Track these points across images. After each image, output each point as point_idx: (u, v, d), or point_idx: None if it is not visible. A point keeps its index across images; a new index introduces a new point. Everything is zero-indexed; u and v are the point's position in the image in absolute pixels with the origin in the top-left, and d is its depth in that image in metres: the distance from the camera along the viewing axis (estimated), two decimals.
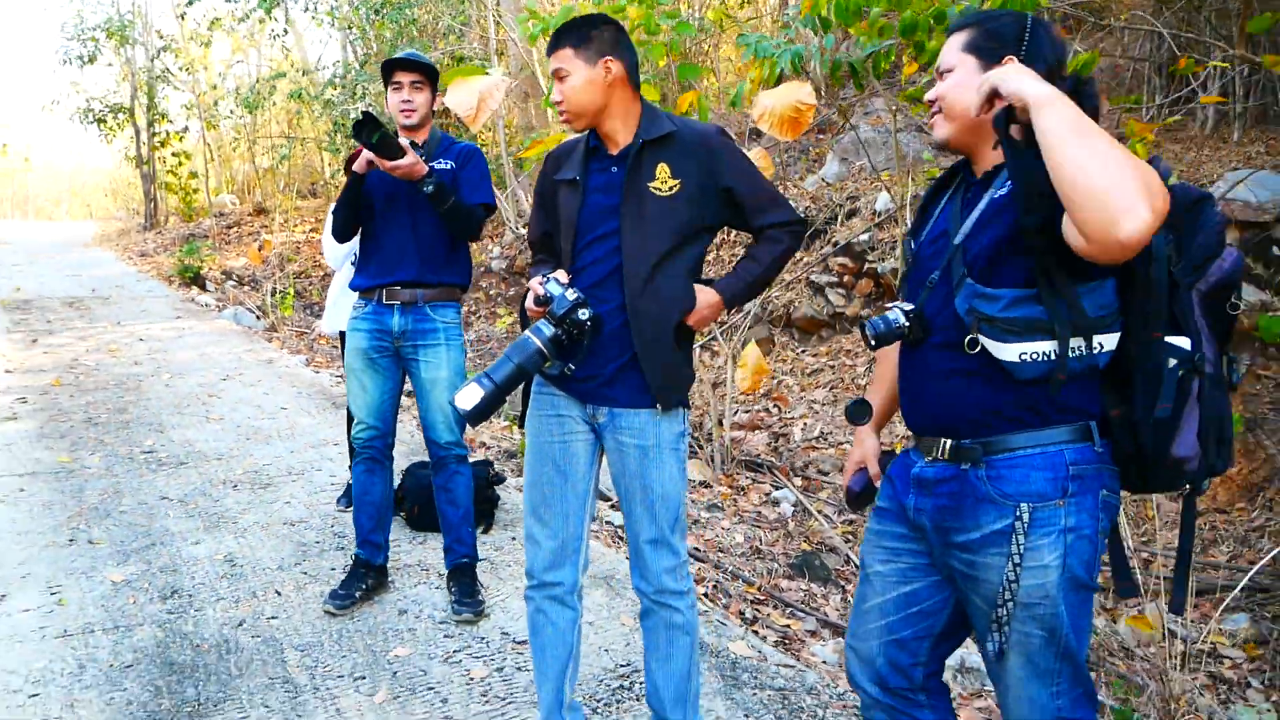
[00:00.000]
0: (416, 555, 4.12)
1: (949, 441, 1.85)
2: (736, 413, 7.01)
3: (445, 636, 3.39)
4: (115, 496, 4.81)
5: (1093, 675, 2.66)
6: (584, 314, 2.31)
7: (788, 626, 4.05)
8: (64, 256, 17.48)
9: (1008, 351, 1.72)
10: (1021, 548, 1.73)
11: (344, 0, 13.11)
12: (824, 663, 3.60)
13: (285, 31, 14.29)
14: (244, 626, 3.44)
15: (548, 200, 2.61)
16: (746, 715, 2.92)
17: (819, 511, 5.55)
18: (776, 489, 5.85)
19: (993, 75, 1.67)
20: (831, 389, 7.12)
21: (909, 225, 2.37)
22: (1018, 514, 1.73)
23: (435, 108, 3.59)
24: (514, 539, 4.34)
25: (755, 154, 4.40)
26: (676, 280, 2.40)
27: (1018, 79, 1.61)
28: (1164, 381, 1.70)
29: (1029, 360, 1.71)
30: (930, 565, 1.94)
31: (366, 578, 3.65)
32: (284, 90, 17.21)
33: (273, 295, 12.25)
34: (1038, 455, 1.75)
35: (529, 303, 2.40)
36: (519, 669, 3.15)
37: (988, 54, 1.81)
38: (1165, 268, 1.70)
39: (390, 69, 3.47)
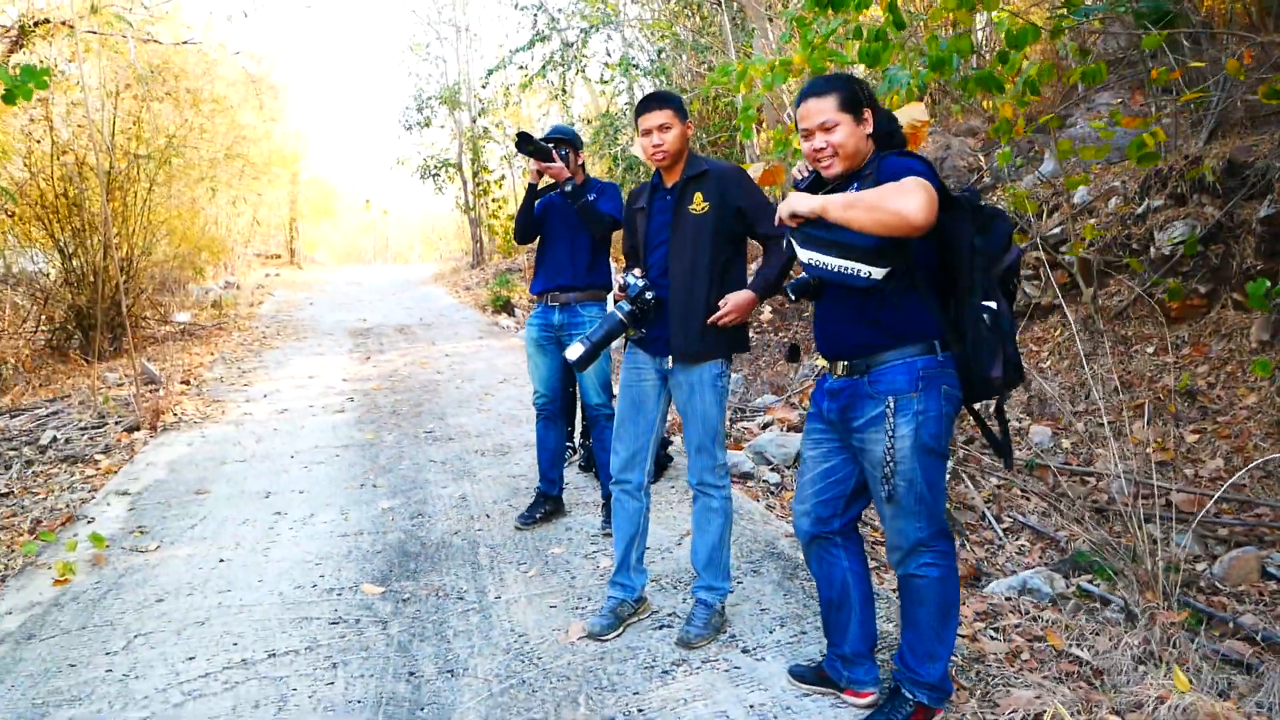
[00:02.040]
0: (590, 495, 5.41)
1: (844, 362, 2.88)
2: None
3: (591, 544, 4.65)
4: (397, 460, 6.49)
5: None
6: (650, 295, 3.54)
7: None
8: (404, 293, 20.58)
9: (803, 255, 2.75)
10: (892, 426, 2.74)
11: (623, 62, 14.84)
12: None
13: (564, 91, 16.16)
14: (457, 534, 4.89)
15: (629, 223, 3.84)
16: (785, 597, 3.95)
17: (969, 476, 6.29)
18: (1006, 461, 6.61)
19: (786, 205, 2.73)
20: None
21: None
22: (887, 404, 2.74)
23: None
24: (672, 488, 5.53)
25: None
26: (703, 275, 3.53)
27: (805, 203, 2.68)
28: (981, 327, 2.68)
29: (811, 263, 2.74)
30: (841, 448, 2.96)
31: (544, 504, 4.99)
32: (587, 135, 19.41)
33: None
34: (899, 364, 2.76)
35: (614, 291, 3.65)
36: None
37: (855, 110, 2.84)
38: (980, 261, 2.68)
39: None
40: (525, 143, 4.48)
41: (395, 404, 8.48)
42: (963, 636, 3.44)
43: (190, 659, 3.65)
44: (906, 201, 2.47)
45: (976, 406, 3.03)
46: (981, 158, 10.69)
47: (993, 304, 2.73)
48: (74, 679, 3.56)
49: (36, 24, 10.77)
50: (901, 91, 5.07)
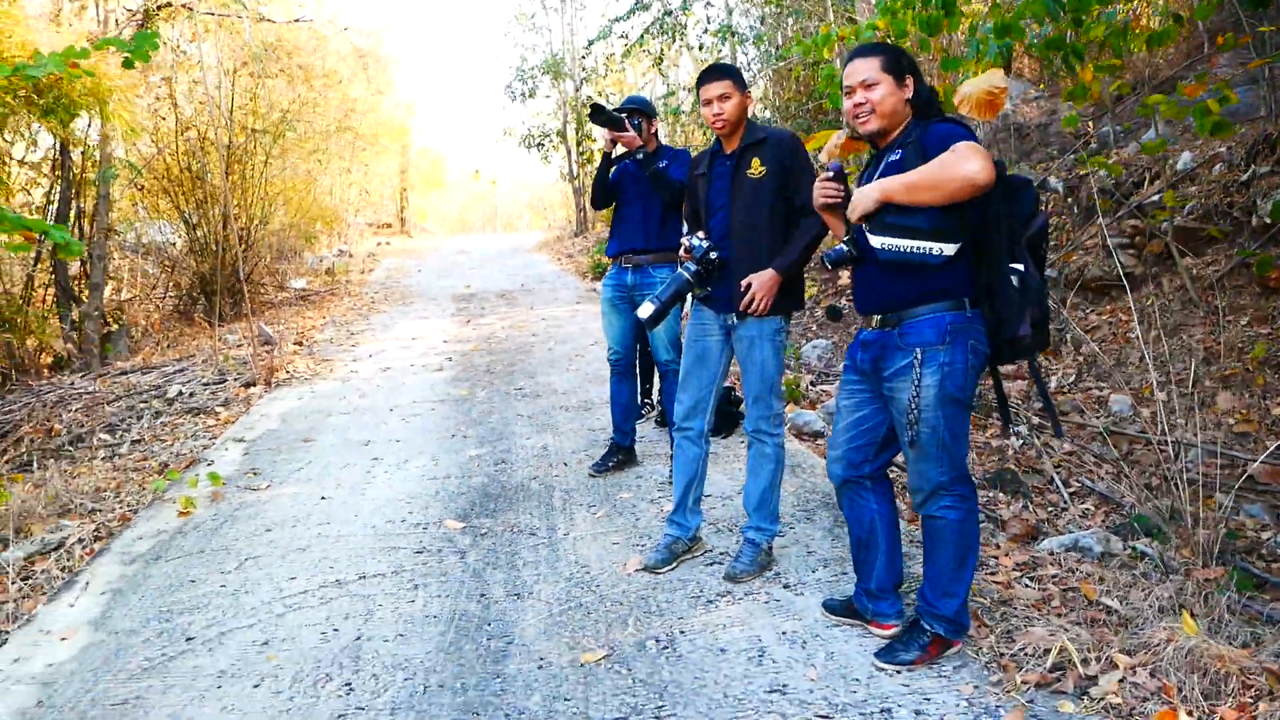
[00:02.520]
0: (662, 447, 5.73)
1: (878, 316, 3.13)
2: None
3: (657, 490, 4.98)
4: (488, 414, 6.92)
5: None
6: (714, 255, 3.82)
7: None
8: (509, 260, 21.15)
9: (876, 242, 2.98)
10: (918, 376, 2.98)
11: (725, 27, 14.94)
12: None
13: (661, 59, 16.34)
14: (535, 479, 5.27)
15: (691, 189, 4.11)
16: (833, 542, 4.21)
17: (1044, 444, 6.40)
18: (1015, 428, 6.74)
19: (854, 210, 2.95)
20: (1101, 343, 7.74)
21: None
22: (915, 355, 2.99)
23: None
24: (742, 443, 5.81)
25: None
26: (763, 235, 3.79)
27: (867, 198, 2.91)
28: (1010, 288, 2.91)
29: (884, 249, 2.96)
30: (873, 398, 3.22)
31: (617, 454, 5.33)
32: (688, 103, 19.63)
33: None
34: (929, 318, 3.00)
35: (680, 253, 3.93)
36: None
37: (897, 74, 3.07)
38: (1005, 225, 2.90)
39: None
40: (598, 113, 4.78)
41: (490, 363, 8.93)
42: (997, 583, 3.66)
43: (292, 579, 4.11)
44: (969, 166, 2.70)
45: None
46: (1090, 124, 10.54)
47: (1020, 266, 2.94)
48: (193, 592, 4.06)
49: (159, 7, 11.48)
50: (986, 59, 5.18)
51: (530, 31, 29.08)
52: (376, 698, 3.09)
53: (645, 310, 3.95)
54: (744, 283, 3.72)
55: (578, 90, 23.95)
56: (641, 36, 15.14)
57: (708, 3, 15.47)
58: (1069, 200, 8.88)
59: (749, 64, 15.73)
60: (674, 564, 4.00)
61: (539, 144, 24.65)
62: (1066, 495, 5.32)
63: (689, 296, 4.05)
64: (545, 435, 6.23)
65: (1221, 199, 7.31)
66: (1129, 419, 6.54)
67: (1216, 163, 7.82)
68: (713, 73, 3.88)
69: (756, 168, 3.81)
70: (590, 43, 16.46)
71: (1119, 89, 8.01)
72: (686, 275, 3.86)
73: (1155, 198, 8.38)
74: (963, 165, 2.71)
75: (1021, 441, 6.40)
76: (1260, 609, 3.51)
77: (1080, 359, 7.82)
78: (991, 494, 5.29)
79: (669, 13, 15.65)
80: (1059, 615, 3.34)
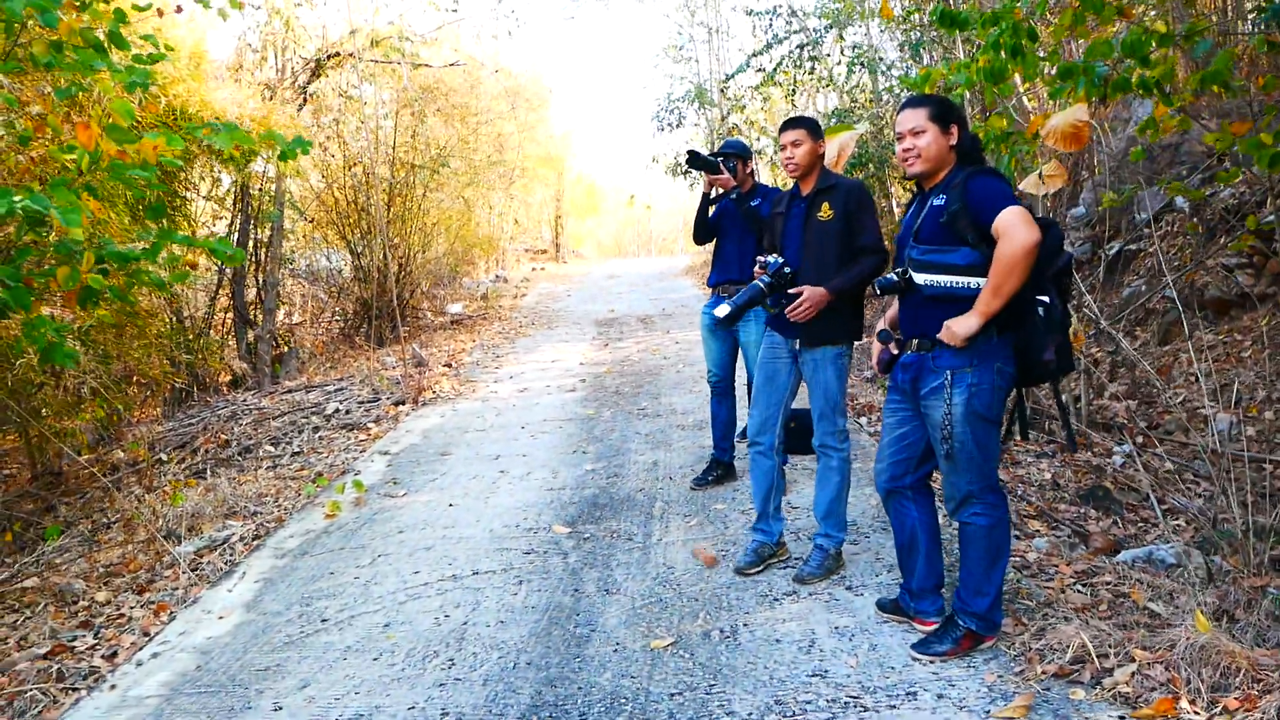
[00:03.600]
0: None
1: (916, 340, 3.45)
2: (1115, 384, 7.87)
3: (749, 502, 5.30)
4: (609, 432, 7.39)
5: None
6: (786, 270, 4.19)
7: (1038, 531, 5.30)
8: (654, 285, 21.75)
9: (920, 279, 3.31)
10: (949, 395, 3.29)
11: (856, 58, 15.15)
12: (1034, 552, 4.87)
13: (793, 91, 16.63)
14: (641, 491, 5.70)
15: (771, 224, 4.49)
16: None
17: (1145, 464, 6.43)
18: (1119, 446, 6.78)
19: (954, 337, 3.25)
20: (1215, 363, 7.65)
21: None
22: (945, 377, 3.30)
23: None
24: None
25: (1049, 166, 5.69)
26: (828, 272, 4.14)
27: (966, 326, 3.21)
28: (1036, 317, 3.21)
29: (928, 285, 3.29)
30: (913, 415, 3.52)
31: (717, 469, 5.71)
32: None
33: None
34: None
35: (755, 269, 4.31)
36: None
37: (943, 123, 3.40)
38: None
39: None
40: (695, 159, 5.22)
41: (620, 385, 9.43)
42: (1048, 587, 3.86)
43: (415, 573, 4.66)
44: (1020, 243, 3.05)
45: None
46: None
47: (1045, 298, 3.23)
48: (331, 583, 4.65)
49: (329, 57, 12.56)
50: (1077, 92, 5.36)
51: (678, 63, 29.72)
52: (473, 671, 3.57)
53: (722, 311, 4.34)
54: (798, 290, 4.06)
55: (724, 119, 24.43)
56: (774, 69, 15.47)
57: (839, 34, 15.61)
58: (1194, 220, 8.75)
59: (891, 92, 15.86)
60: (761, 566, 4.34)
61: (685, 172, 25.20)
62: (1160, 511, 5.39)
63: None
64: (659, 451, 6.65)
65: None
66: (1232, 437, 6.49)
67: None
68: (790, 123, 4.27)
69: (826, 211, 4.16)
70: (728, 76, 16.88)
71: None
72: (760, 285, 4.22)
73: (1271, 217, 8.23)
74: (1014, 245, 3.05)
75: (1123, 461, 6.45)
76: None
77: (1188, 379, 7.73)
78: (1082, 510, 5.40)
79: (802, 46, 15.90)
80: (1102, 618, 3.54)
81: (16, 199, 3.74)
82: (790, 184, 4.44)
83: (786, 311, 4.11)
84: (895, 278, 3.48)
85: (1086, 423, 7.16)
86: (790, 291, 4.10)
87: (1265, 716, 2.72)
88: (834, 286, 4.08)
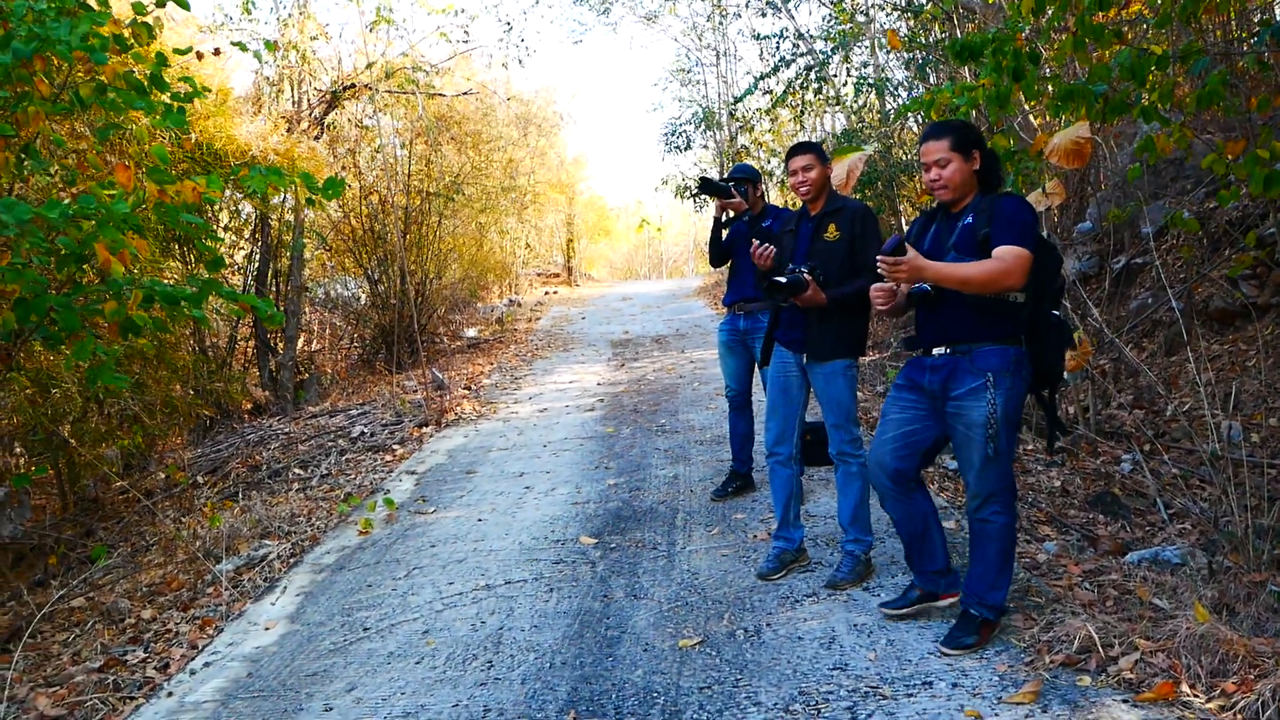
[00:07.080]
0: None
1: (946, 346, 3.64)
2: (1121, 394, 8.04)
3: (768, 511, 5.51)
4: (629, 448, 7.60)
5: None
6: (805, 273, 4.38)
7: (1048, 536, 5.48)
8: (667, 306, 21.96)
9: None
10: (993, 396, 3.49)
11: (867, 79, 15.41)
12: (1044, 554, 5.05)
13: (802, 113, 16.91)
14: (663, 503, 5.90)
15: (781, 242, 4.70)
16: None
17: (1152, 470, 6.60)
18: (1126, 454, 6.95)
19: (907, 276, 3.50)
20: (1219, 372, 7.82)
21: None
22: (987, 378, 3.50)
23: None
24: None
25: (1051, 184, 5.89)
26: (829, 286, 4.34)
27: (918, 274, 3.46)
28: (1049, 329, 3.45)
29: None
30: (927, 414, 3.71)
31: (735, 481, 5.91)
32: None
33: None
34: (996, 349, 3.53)
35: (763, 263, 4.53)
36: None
37: (965, 151, 3.62)
38: (1046, 279, 3.50)
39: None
40: (707, 185, 5.45)
41: (637, 403, 9.64)
42: (1057, 585, 4.05)
43: (450, 584, 4.87)
44: (997, 274, 3.36)
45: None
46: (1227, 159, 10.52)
47: (1058, 313, 3.51)
48: (369, 595, 4.86)
49: (345, 88, 12.88)
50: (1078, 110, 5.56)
51: (686, 85, 30.06)
52: (511, 671, 3.77)
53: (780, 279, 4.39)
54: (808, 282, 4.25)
55: (733, 140, 24.70)
56: (783, 94, 15.73)
57: (845, 56, 15.85)
58: (1192, 240, 8.95)
59: (902, 116, 16.10)
60: (783, 572, 4.54)
61: (695, 195, 25.46)
62: (1166, 515, 5.56)
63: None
64: (678, 466, 6.85)
65: None
66: (1238, 443, 6.65)
67: None
68: (797, 149, 4.49)
69: (832, 232, 4.39)
70: (737, 99, 17.17)
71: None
72: (802, 277, 4.28)
73: (1272, 230, 8.40)
74: (996, 276, 3.36)
75: (1130, 467, 6.62)
76: None
77: (1195, 388, 7.89)
78: (1091, 515, 5.58)
79: (809, 68, 16.15)
80: (1107, 613, 3.72)
81: (59, 220, 3.94)
82: (799, 204, 4.66)
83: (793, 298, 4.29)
84: (928, 287, 3.69)
85: (1095, 431, 7.34)
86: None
87: (1261, 699, 2.90)
88: (831, 294, 4.28)
